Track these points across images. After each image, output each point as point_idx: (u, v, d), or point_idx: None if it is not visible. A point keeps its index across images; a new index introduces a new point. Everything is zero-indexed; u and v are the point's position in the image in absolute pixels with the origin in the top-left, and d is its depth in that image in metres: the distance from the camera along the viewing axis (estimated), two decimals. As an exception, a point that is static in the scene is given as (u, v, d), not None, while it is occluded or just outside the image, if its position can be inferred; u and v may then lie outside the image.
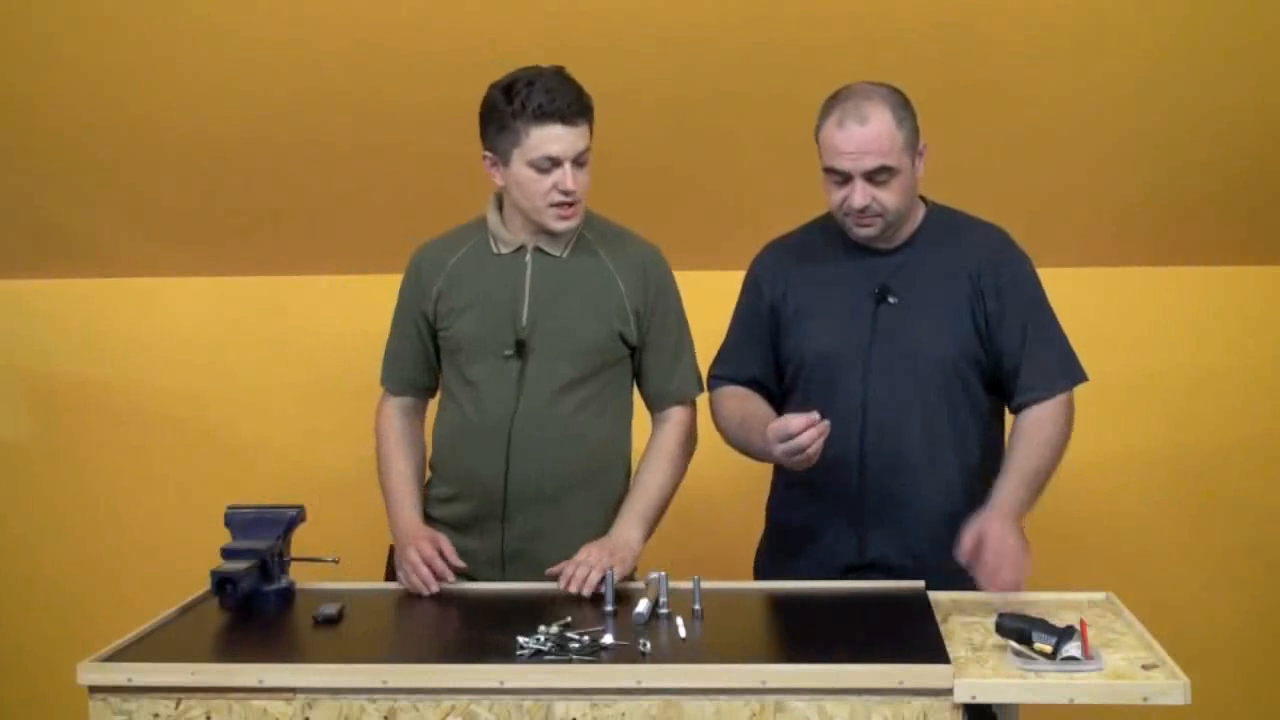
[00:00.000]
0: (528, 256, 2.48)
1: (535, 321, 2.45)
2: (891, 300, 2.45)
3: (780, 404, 2.55)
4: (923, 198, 2.54)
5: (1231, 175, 3.19)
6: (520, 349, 2.45)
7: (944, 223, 2.53)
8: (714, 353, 2.66)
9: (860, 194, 2.38)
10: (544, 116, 2.34)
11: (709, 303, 2.68)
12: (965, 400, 2.45)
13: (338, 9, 2.90)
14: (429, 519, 2.54)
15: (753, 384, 2.58)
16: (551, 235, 2.46)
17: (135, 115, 3.15)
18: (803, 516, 2.52)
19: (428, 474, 2.63)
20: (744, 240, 2.73)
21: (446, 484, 2.56)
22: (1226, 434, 3.50)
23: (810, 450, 2.27)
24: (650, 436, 2.57)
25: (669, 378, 2.55)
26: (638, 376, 2.56)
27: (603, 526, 2.47)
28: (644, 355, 2.54)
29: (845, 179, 2.39)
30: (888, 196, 2.39)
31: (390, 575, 2.54)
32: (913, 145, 2.41)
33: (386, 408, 2.61)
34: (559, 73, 2.39)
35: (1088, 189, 3.26)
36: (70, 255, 3.64)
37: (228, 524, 2.39)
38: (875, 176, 2.37)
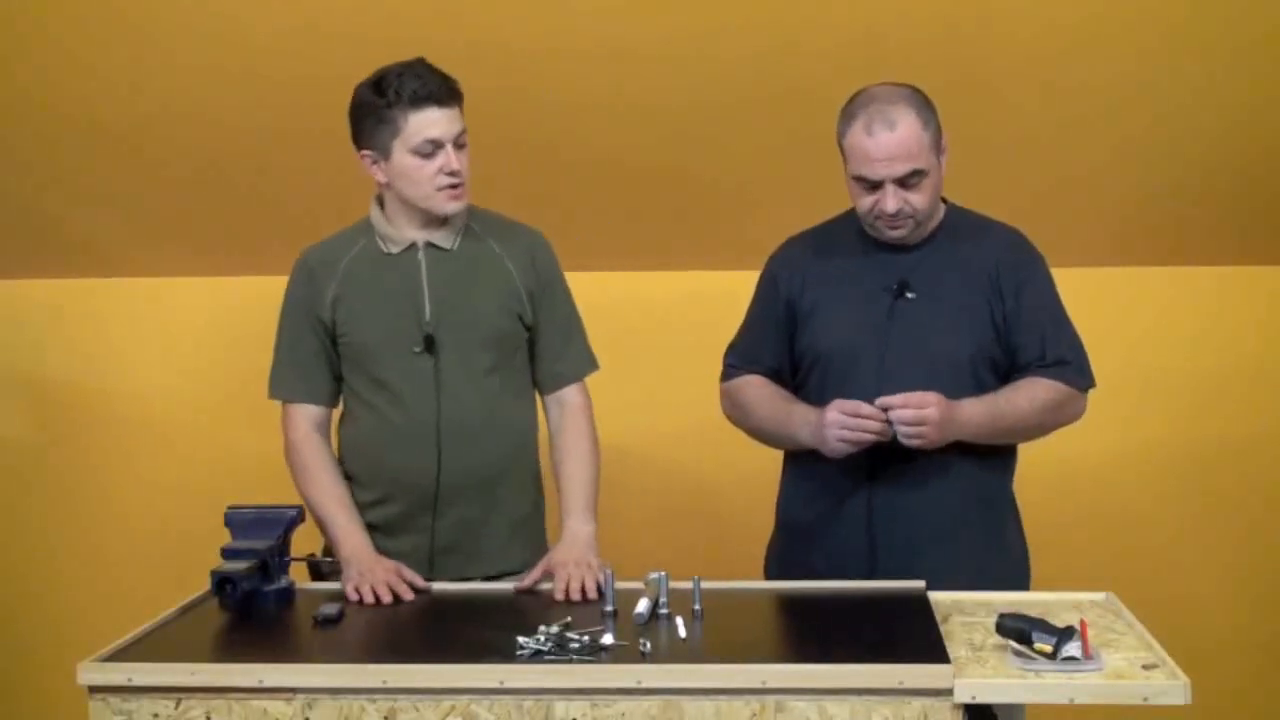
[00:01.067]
0: (420, 253, 2.48)
1: (440, 315, 2.46)
2: (910, 295, 2.44)
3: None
4: (941, 197, 2.54)
5: (1231, 175, 3.19)
6: (430, 344, 2.45)
7: (962, 222, 2.53)
8: (717, 354, 2.66)
9: (892, 199, 2.37)
10: (420, 101, 2.37)
11: (712, 302, 2.67)
12: None
13: (341, 8, 2.90)
14: None
15: (769, 375, 2.58)
16: (440, 225, 2.48)
17: (135, 115, 3.14)
18: (812, 514, 2.52)
19: None
20: (748, 241, 2.73)
21: (369, 489, 2.52)
22: (1225, 435, 3.50)
23: (863, 437, 2.32)
24: (553, 423, 2.58)
25: (562, 357, 2.57)
26: (531, 359, 2.58)
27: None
28: (537, 337, 2.56)
29: (875, 185, 2.38)
30: (918, 198, 2.38)
31: (317, 580, 2.52)
32: (937, 144, 2.40)
33: (298, 423, 2.51)
34: (423, 61, 2.41)
35: (1087, 189, 3.26)
36: (70, 255, 3.64)
37: (228, 524, 2.39)
38: (907, 180, 2.36)
